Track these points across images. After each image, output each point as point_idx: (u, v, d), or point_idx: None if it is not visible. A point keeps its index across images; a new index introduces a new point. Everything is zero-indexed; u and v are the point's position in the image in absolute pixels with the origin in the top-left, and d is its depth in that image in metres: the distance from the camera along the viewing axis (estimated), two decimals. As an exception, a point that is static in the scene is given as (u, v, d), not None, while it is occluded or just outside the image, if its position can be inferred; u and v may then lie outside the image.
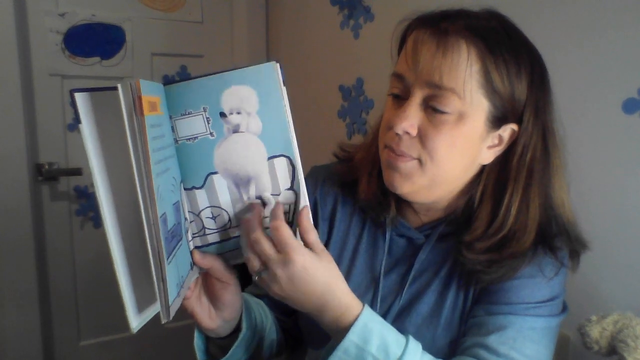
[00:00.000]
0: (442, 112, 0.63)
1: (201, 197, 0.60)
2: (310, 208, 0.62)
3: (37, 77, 1.64)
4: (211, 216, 0.61)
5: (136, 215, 0.50)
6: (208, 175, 0.59)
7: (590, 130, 0.90)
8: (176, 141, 0.58)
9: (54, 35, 1.64)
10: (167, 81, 0.56)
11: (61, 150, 1.71)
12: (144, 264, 0.51)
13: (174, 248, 0.55)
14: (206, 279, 0.65)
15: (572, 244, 0.69)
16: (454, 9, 0.67)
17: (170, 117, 0.57)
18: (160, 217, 0.50)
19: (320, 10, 1.66)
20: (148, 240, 0.50)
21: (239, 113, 0.57)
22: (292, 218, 0.61)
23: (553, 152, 0.68)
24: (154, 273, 0.51)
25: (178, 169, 0.58)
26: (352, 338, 0.57)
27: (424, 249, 0.74)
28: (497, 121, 0.65)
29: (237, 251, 0.64)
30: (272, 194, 0.60)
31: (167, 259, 0.52)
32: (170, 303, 0.52)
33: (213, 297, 0.65)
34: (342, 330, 0.59)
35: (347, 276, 0.77)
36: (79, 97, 0.49)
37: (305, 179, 0.61)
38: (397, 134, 0.65)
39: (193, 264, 0.62)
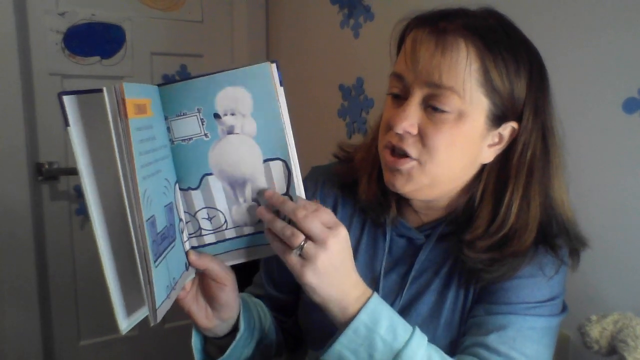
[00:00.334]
0: (442, 111, 0.63)
1: (197, 198, 0.60)
2: None
3: (37, 76, 1.64)
4: (207, 217, 0.61)
5: (124, 218, 0.50)
6: (203, 176, 0.59)
7: (590, 130, 0.90)
8: (172, 142, 0.57)
9: (53, 34, 1.64)
10: (167, 80, 0.56)
11: (61, 149, 1.71)
12: (133, 266, 0.51)
13: (165, 250, 0.54)
14: (203, 278, 0.65)
15: (572, 243, 0.69)
16: (453, 8, 0.67)
17: (166, 118, 0.56)
18: (148, 220, 0.50)
19: (320, 10, 1.66)
20: (134, 244, 0.50)
21: (233, 114, 0.56)
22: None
23: (553, 151, 0.68)
24: (140, 276, 0.51)
25: (173, 171, 0.58)
26: (362, 318, 0.58)
27: (424, 249, 0.74)
28: (497, 119, 0.65)
29: (233, 252, 0.63)
30: None
31: (155, 261, 0.51)
32: (157, 306, 0.52)
33: (210, 297, 0.65)
34: (351, 315, 0.59)
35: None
36: (67, 100, 0.49)
37: (305, 180, 0.60)
38: (397, 134, 0.65)
39: (189, 264, 0.62)
